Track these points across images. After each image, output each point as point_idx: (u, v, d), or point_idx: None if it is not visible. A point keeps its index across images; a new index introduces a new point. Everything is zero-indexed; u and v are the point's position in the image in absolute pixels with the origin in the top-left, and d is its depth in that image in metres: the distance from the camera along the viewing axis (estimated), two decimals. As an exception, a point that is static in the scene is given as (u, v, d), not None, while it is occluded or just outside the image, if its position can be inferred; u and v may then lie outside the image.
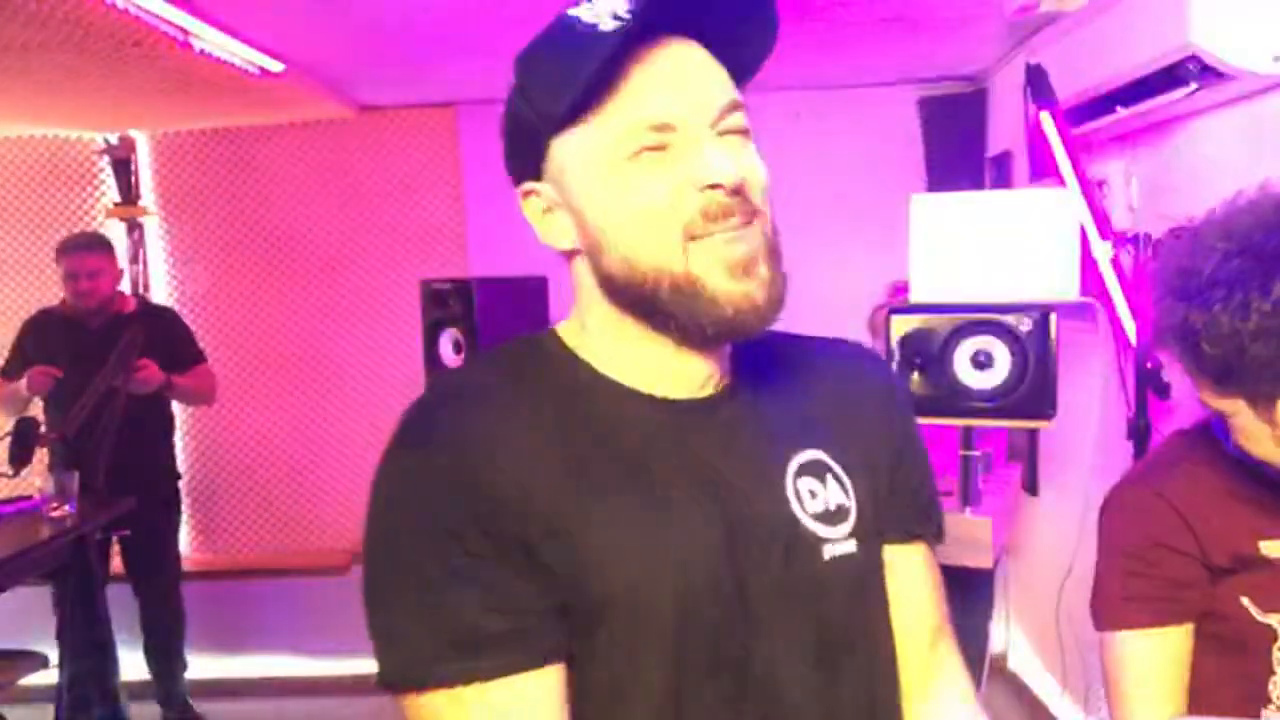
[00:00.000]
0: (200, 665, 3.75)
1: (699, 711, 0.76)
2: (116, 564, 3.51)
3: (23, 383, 3.26)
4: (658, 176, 0.74)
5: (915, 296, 2.36)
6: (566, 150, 0.78)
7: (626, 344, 0.81)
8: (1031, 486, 3.38)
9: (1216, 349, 1.02)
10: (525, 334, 0.87)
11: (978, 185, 3.66)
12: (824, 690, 0.80)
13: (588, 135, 0.76)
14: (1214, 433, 1.16)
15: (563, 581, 0.74)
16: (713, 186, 0.74)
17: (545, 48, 0.79)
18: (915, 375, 2.25)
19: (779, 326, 0.82)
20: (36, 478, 3.06)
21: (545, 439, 0.76)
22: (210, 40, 2.70)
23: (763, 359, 0.86)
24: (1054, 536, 3.14)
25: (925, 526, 0.92)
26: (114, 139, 3.92)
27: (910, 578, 0.89)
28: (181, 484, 3.73)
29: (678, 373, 0.81)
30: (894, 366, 2.26)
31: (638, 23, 0.72)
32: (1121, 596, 1.14)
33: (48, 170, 4.05)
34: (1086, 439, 2.62)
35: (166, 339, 3.44)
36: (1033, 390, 2.17)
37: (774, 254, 0.78)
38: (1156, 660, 1.12)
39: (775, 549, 0.79)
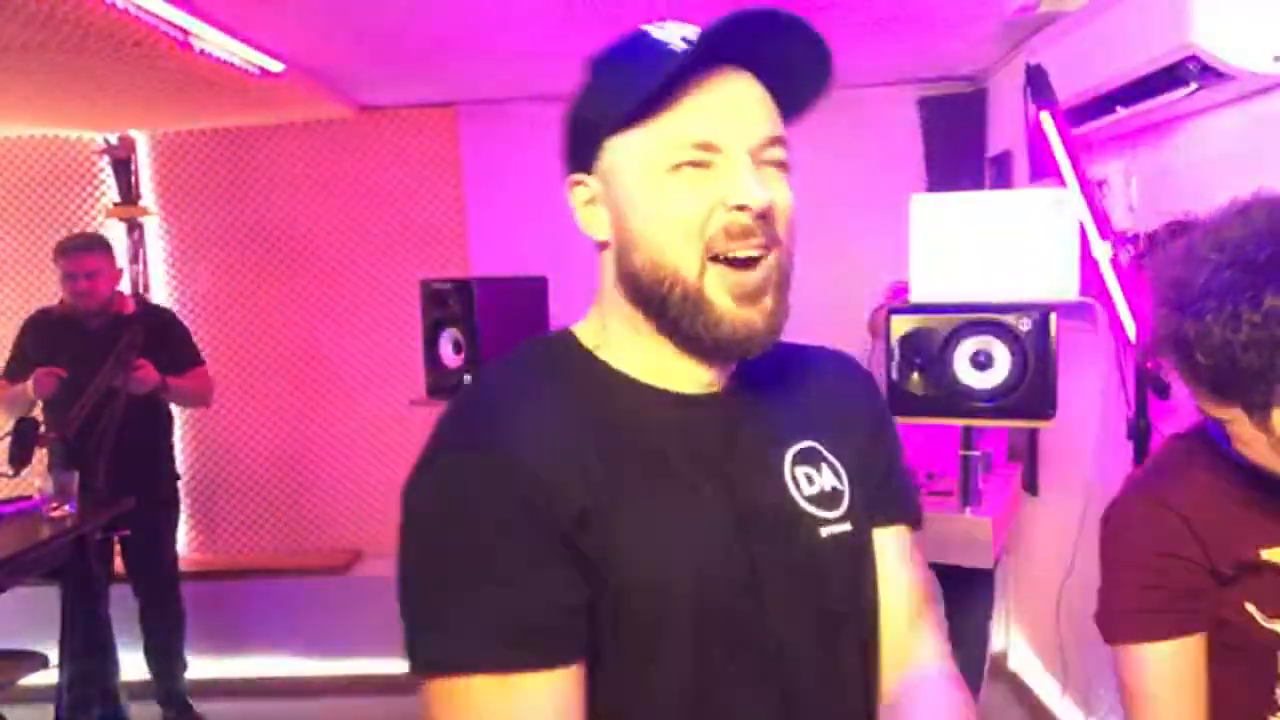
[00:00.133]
0: (200, 665, 3.75)
1: (722, 690, 0.82)
2: (117, 564, 3.52)
3: (29, 385, 3.26)
4: (694, 191, 0.81)
5: (915, 296, 2.36)
6: (618, 151, 0.84)
7: (640, 340, 0.87)
8: (1031, 486, 3.39)
9: (1210, 359, 1.02)
10: (538, 335, 0.93)
11: (978, 185, 3.66)
12: (827, 661, 0.87)
13: (640, 141, 0.82)
14: (1212, 436, 1.16)
15: (595, 570, 0.79)
16: (740, 207, 0.80)
17: (618, 56, 0.86)
18: (915, 375, 2.25)
19: None
20: (36, 478, 3.06)
21: (575, 435, 0.82)
22: (210, 40, 2.70)
23: (759, 361, 0.90)
24: (1054, 536, 3.14)
25: (905, 511, 0.99)
26: (114, 139, 3.92)
27: (893, 558, 0.95)
28: (181, 484, 3.73)
29: (687, 370, 0.88)
30: (894, 366, 2.26)
31: (703, 49, 0.79)
32: (1135, 609, 1.13)
33: (48, 170, 4.05)
34: (1086, 439, 2.62)
35: (165, 340, 3.44)
36: (1033, 390, 2.17)
37: (783, 285, 0.85)
38: (1179, 671, 1.10)
39: (779, 530, 0.86)
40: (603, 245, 0.89)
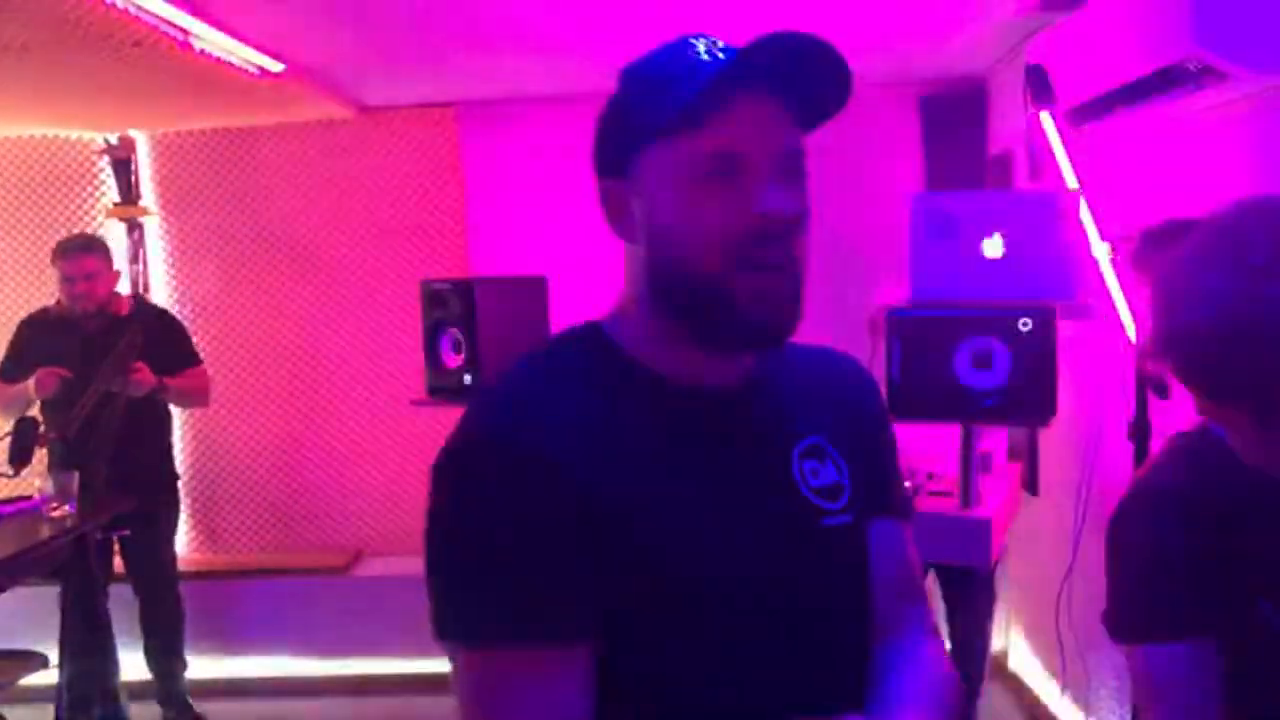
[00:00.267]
0: (200, 665, 3.75)
1: (729, 663, 0.89)
2: (117, 564, 3.52)
3: (30, 384, 3.26)
4: (720, 199, 0.87)
5: (915, 296, 2.36)
6: (653, 160, 0.90)
7: (664, 336, 0.93)
8: (1031, 486, 3.38)
9: (1210, 363, 1.02)
10: (567, 329, 1.00)
11: (978, 185, 3.66)
12: (824, 631, 0.94)
13: (673, 152, 0.88)
14: (1215, 434, 1.16)
15: (610, 554, 0.85)
16: (765, 215, 0.87)
17: (655, 69, 0.92)
18: (915, 375, 2.25)
19: None
20: (36, 478, 3.06)
21: (595, 427, 0.89)
22: (210, 40, 2.70)
23: (772, 360, 0.99)
24: (1054, 536, 3.14)
25: (896, 504, 1.06)
26: (114, 139, 3.92)
27: (884, 544, 1.02)
28: (180, 484, 3.73)
29: (706, 365, 0.94)
30: (894, 366, 2.26)
31: (735, 69, 0.85)
32: (1150, 608, 1.11)
33: (48, 170, 4.05)
34: (1086, 439, 2.62)
35: (162, 341, 3.43)
36: (1033, 390, 2.17)
37: (801, 289, 0.91)
38: (1197, 669, 1.08)
39: (787, 520, 0.94)
40: (631, 245, 0.95)
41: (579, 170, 3.88)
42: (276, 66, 3.05)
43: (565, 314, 1.03)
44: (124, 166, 3.93)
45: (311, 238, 4.06)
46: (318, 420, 4.12)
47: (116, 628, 3.21)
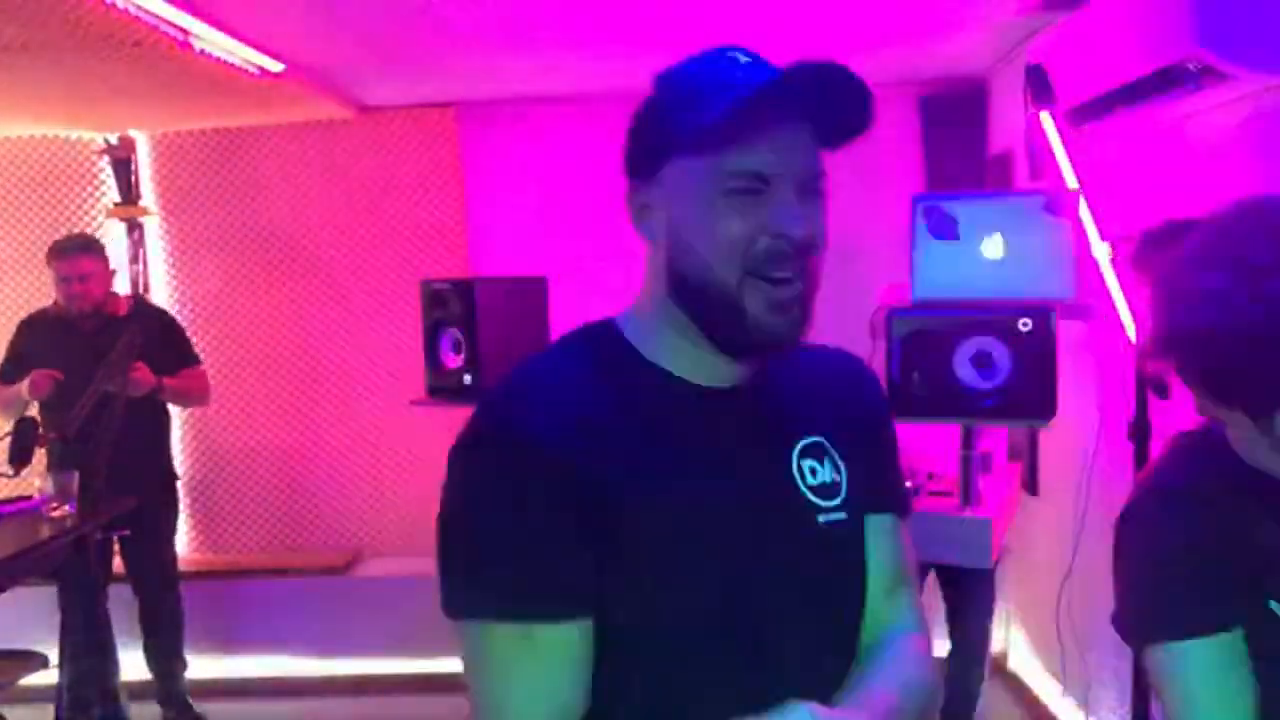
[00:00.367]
0: (200, 665, 3.75)
1: (717, 642, 0.93)
2: (116, 563, 3.52)
3: (24, 386, 3.26)
4: (743, 216, 0.91)
5: (915, 296, 2.36)
6: (681, 170, 0.94)
7: (677, 335, 0.98)
8: (1031, 486, 3.38)
9: (1213, 362, 1.01)
10: (590, 324, 1.04)
11: (978, 185, 3.66)
12: (817, 625, 0.99)
13: (702, 166, 0.92)
14: (1218, 433, 1.15)
15: (606, 540, 0.90)
16: (781, 236, 0.91)
17: (691, 81, 0.95)
18: (915, 375, 2.25)
19: None
20: (36, 478, 3.06)
21: (604, 419, 0.94)
22: (210, 40, 2.70)
23: (777, 360, 1.02)
24: (1054, 536, 3.14)
25: (894, 502, 1.09)
26: (114, 139, 3.92)
27: (879, 540, 1.06)
28: (179, 484, 3.73)
29: (716, 366, 0.98)
30: (894, 366, 2.26)
31: (766, 95, 0.88)
32: (1170, 606, 1.09)
33: (48, 170, 4.05)
34: (1086, 439, 2.62)
35: (160, 341, 3.43)
36: (1033, 390, 2.17)
37: (810, 299, 0.96)
38: (1224, 667, 1.06)
39: (781, 514, 0.98)
40: (653, 247, 0.99)
41: (579, 170, 3.92)
42: (276, 66, 3.05)
43: (565, 314, 1.04)
44: (124, 166, 3.93)
45: (311, 238, 4.06)
46: (318, 420, 4.12)
47: (116, 628, 3.21)
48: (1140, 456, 2.16)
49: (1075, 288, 2.23)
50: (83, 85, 3.12)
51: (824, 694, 0.94)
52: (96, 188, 4.06)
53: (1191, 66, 1.94)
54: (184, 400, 3.66)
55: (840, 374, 1.11)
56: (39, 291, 3.81)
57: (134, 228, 4.02)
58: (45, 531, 2.87)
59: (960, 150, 3.71)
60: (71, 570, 3.03)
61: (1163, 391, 2.10)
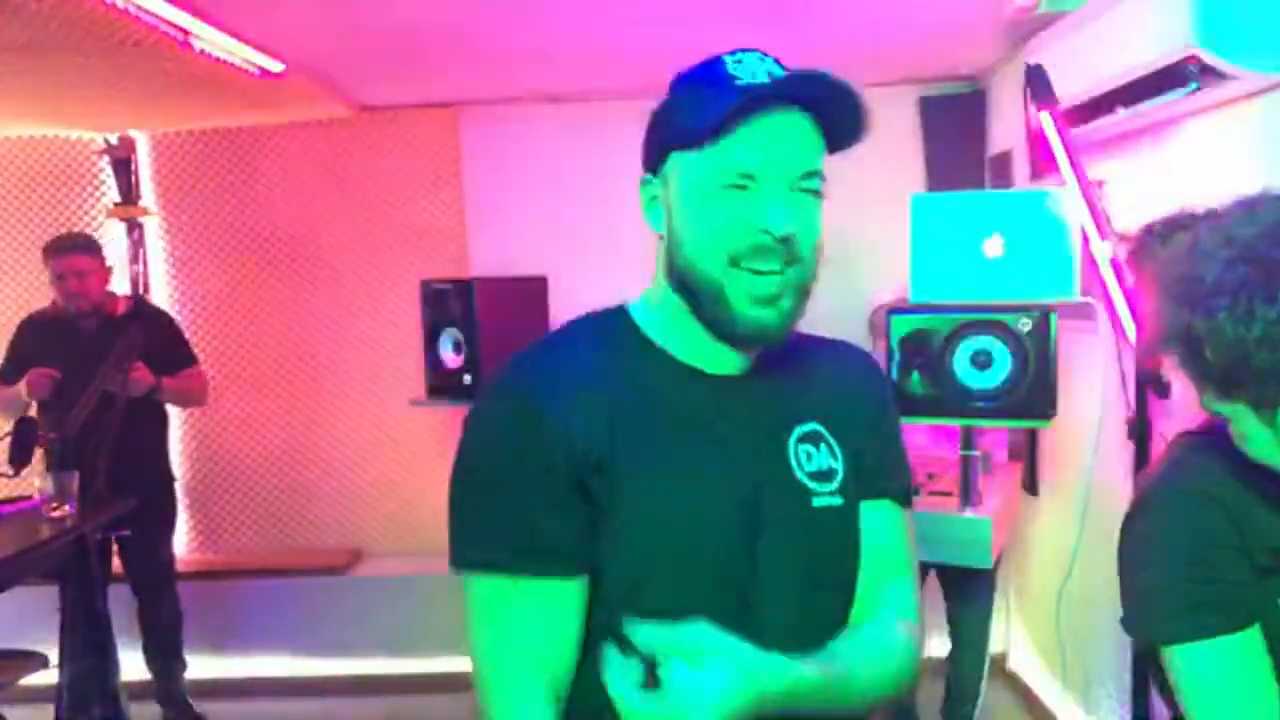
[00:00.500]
0: (200, 665, 3.75)
1: (704, 614, 0.94)
2: (117, 564, 3.52)
3: (21, 386, 3.26)
4: (732, 210, 0.96)
5: (915, 296, 2.36)
6: (680, 164, 1.00)
7: (681, 323, 1.03)
8: (1031, 486, 3.39)
9: (1220, 356, 1.00)
10: (605, 308, 1.10)
11: (978, 185, 3.66)
12: (809, 606, 1.03)
13: (697, 160, 0.98)
14: (1221, 432, 1.15)
15: (602, 507, 0.97)
16: (765, 231, 0.96)
17: (695, 82, 1.01)
18: (915, 375, 2.25)
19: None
20: (36, 478, 3.06)
21: (605, 397, 0.99)
22: (210, 40, 2.70)
23: (782, 351, 1.06)
24: (1054, 536, 3.14)
25: (892, 488, 1.11)
26: (114, 139, 3.92)
27: (875, 526, 1.09)
28: (177, 485, 3.73)
29: (718, 353, 1.03)
30: (894, 366, 2.26)
31: (764, 92, 0.95)
32: (1187, 606, 1.08)
33: (48, 170, 4.05)
34: (1086, 439, 2.62)
35: (159, 341, 3.43)
36: (1033, 390, 2.17)
37: (800, 294, 1.00)
38: (1243, 666, 1.06)
39: (776, 497, 1.02)
40: (660, 237, 1.04)
41: (579, 170, 3.92)
42: (276, 66, 3.05)
43: (565, 314, 1.05)
44: (124, 166, 3.93)
45: (311, 238, 4.05)
46: (318, 420, 4.12)
47: (116, 628, 3.20)
48: (1140, 456, 2.16)
49: (1075, 287, 2.24)
50: (83, 85, 3.12)
51: None
52: (96, 188, 4.06)
53: (1191, 66, 1.94)
54: (183, 400, 3.66)
55: (845, 366, 1.15)
56: (39, 292, 3.81)
57: (134, 228, 4.01)
58: (45, 531, 2.87)
59: (960, 150, 3.71)
60: (71, 570, 3.03)
61: (1163, 391, 2.09)
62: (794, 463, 1.04)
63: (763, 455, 1.03)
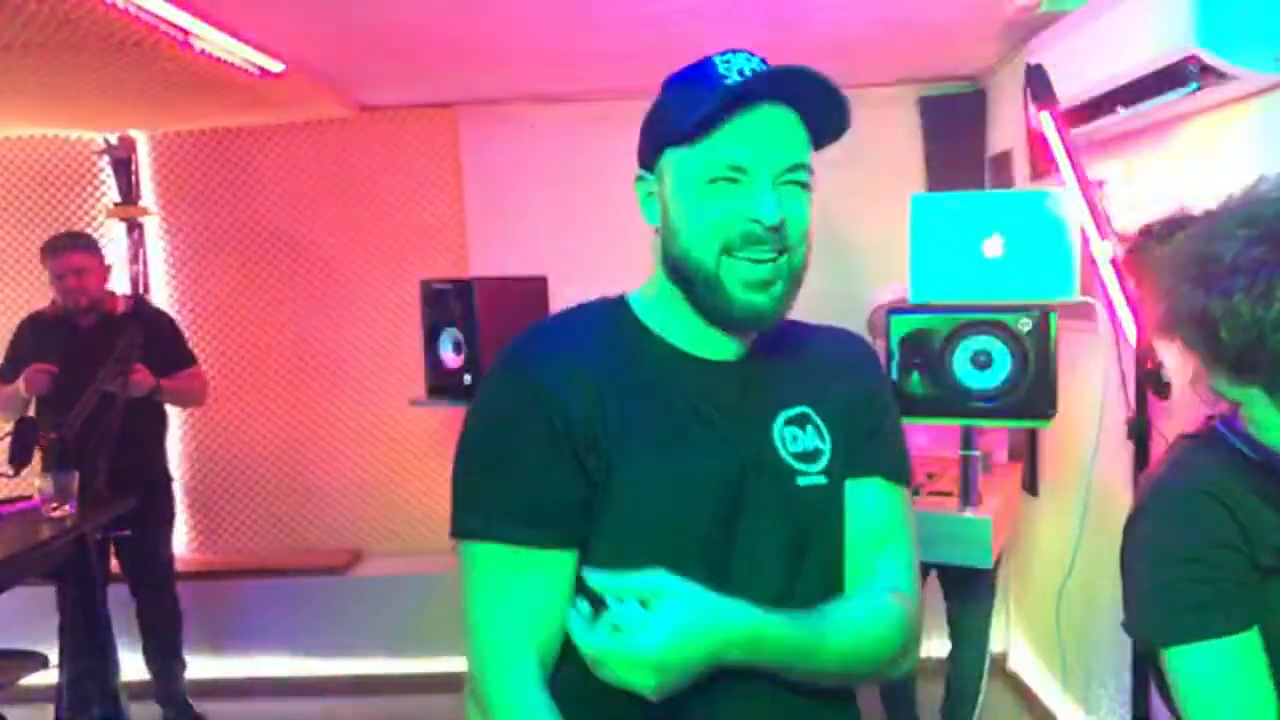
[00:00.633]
0: (200, 665, 3.75)
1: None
2: (113, 564, 3.51)
3: (20, 383, 3.26)
4: (723, 202, 1.01)
5: (915, 296, 2.36)
6: (672, 159, 1.05)
7: (677, 311, 1.08)
8: (1031, 486, 3.39)
9: (1236, 337, 0.99)
10: (605, 297, 1.16)
11: (978, 185, 3.66)
12: (792, 582, 1.06)
13: (689, 155, 1.03)
14: (1223, 433, 1.14)
15: (595, 482, 1.01)
16: (755, 221, 1.00)
17: (684, 82, 1.06)
18: (915, 375, 2.25)
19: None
20: (36, 478, 3.06)
21: (605, 378, 1.04)
22: (210, 40, 2.70)
23: (775, 337, 1.11)
24: (1054, 536, 3.14)
25: (881, 466, 1.13)
26: (114, 139, 3.92)
27: (864, 504, 1.12)
28: (175, 485, 3.72)
29: (713, 339, 1.08)
30: (894, 366, 2.26)
31: (749, 87, 0.99)
32: (1190, 607, 1.07)
33: (48, 170, 4.05)
34: (1086, 439, 2.62)
35: (158, 341, 3.43)
36: (1033, 390, 2.17)
37: (792, 279, 1.05)
38: (1245, 668, 1.05)
39: (759, 476, 1.06)
40: (656, 230, 1.09)
41: (579, 170, 3.91)
42: (276, 66, 3.05)
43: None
44: (124, 166, 3.93)
45: (311, 238, 4.05)
46: (317, 420, 4.12)
47: (116, 628, 3.20)
48: (1140, 456, 2.16)
49: (1075, 287, 2.23)
50: (83, 85, 3.12)
51: None
52: (96, 188, 4.06)
53: (1191, 66, 1.94)
54: (182, 401, 3.66)
55: (839, 353, 1.18)
56: (39, 292, 3.81)
57: (134, 228, 4.01)
58: (45, 531, 2.87)
59: (960, 150, 3.71)
60: (71, 570, 3.03)
61: (1163, 391, 2.09)
62: (779, 443, 1.08)
63: (749, 437, 1.07)
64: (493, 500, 1.02)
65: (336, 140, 3.99)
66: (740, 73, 1.01)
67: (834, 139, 1.06)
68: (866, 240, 3.60)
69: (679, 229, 1.04)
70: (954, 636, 3.00)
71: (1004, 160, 3.49)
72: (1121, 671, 2.51)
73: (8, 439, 3.02)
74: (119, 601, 3.33)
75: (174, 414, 3.86)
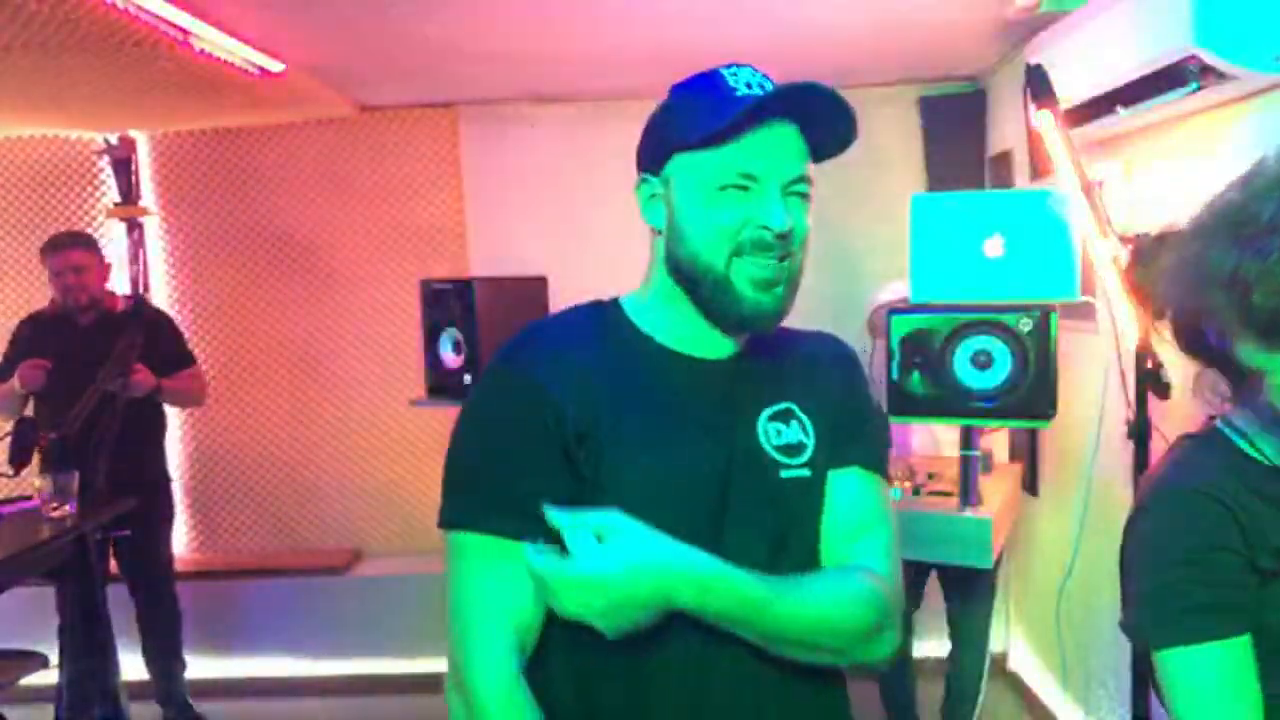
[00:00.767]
0: (200, 665, 3.75)
1: None
2: (112, 564, 3.51)
3: (15, 380, 3.26)
4: (733, 208, 1.06)
5: (915, 296, 2.36)
6: (682, 165, 1.09)
7: (675, 311, 1.13)
8: (1031, 486, 3.38)
9: (1270, 300, 0.96)
10: (593, 301, 1.20)
11: (978, 185, 3.66)
12: (774, 568, 1.07)
13: (701, 162, 1.07)
14: (1225, 434, 1.14)
15: (583, 476, 1.05)
16: (765, 228, 1.06)
17: (695, 90, 1.10)
18: (915, 375, 2.25)
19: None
20: (36, 478, 3.06)
21: (597, 376, 1.08)
22: (210, 40, 2.70)
23: (763, 339, 1.16)
24: (1054, 536, 3.14)
25: (859, 457, 1.18)
26: (114, 139, 3.92)
27: (841, 492, 1.16)
28: (173, 485, 3.72)
29: (707, 339, 1.13)
30: (894, 366, 2.26)
31: (760, 100, 1.04)
32: (1187, 609, 1.06)
33: (48, 170, 4.05)
34: (1086, 439, 2.62)
35: (157, 341, 3.44)
36: (1033, 390, 2.17)
37: (792, 283, 1.10)
38: (1239, 672, 1.04)
39: (744, 469, 1.10)
40: (657, 233, 1.13)
41: (579, 170, 3.92)
42: (276, 66, 3.05)
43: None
44: (124, 166, 3.93)
45: (311, 238, 4.05)
46: (317, 420, 4.12)
47: (116, 628, 3.21)
48: (1140, 456, 2.16)
49: (1075, 287, 2.23)
50: (83, 85, 3.12)
51: None
52: (96, 188, 4.06)
53: (1191, 66, 1.94)
54: (181, 401, 3.66)
55: (822, 354, 1.23)
56: (39, 291, 3.81)
57: (134, 228, 4.01)
58: (45, 531, 2.87)
59: (960, 150, 3.71)
60: (71, 570, 3.03)
61: (1163, 391, 2.09)
62: (762, 437, 1.12)
63: (734, 431, 1.11)
64: (479, 492, 1.07)
65: (336, 140, 3.99)
66: (749, 85, 1.06)
67: (838, 152, 1.11)
68: (866, 240, 3.60)
69: (689, 231, 1.08)
70: (954, 636, 3.00)
71: (1004, 160, 3.49)
72: (1121, 671, 2.51)
73: (8, 439, 3.02)
74: (119, 601, 3.33)
75: (174, 414, 3.86)
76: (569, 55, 3.26)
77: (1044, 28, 2.79)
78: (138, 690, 3.46)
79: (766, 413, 1.14)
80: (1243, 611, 1.05)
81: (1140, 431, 2.15)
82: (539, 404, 1.05)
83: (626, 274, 1.21)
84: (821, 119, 1.07)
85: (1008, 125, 3.47)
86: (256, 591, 3.96)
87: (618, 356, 1.12)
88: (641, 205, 1.14)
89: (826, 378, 1.20)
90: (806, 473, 1.14)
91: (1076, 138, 2.29)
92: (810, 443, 1.15)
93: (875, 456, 1.20)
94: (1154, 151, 2.44)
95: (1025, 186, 3.24)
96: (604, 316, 1.17)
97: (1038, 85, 2.23)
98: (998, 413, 2.23)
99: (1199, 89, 1.98)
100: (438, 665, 3.97)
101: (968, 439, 2.39)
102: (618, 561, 0.97)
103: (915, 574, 2.91)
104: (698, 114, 1.06)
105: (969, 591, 2.93)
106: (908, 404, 2.27)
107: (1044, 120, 2.24)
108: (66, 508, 2.95)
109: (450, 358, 2.95)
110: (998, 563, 2.63)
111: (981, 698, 2.86)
